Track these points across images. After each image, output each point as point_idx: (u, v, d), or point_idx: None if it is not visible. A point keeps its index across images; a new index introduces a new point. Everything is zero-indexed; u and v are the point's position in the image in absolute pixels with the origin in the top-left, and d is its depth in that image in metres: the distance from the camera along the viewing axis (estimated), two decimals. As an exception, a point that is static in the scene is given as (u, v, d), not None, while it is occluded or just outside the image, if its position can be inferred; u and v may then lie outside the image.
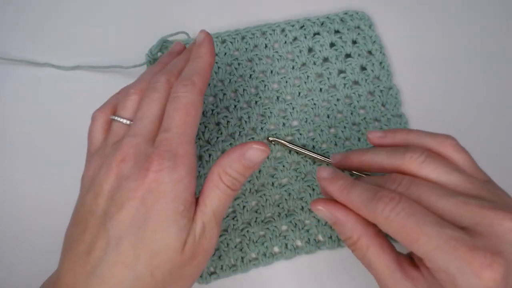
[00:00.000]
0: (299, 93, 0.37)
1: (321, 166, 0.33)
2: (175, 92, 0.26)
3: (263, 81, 0.37)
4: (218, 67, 0.37)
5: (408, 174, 0.25)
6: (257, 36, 0.38)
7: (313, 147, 0.35)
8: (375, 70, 0.37)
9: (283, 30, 0.38)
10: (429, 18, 0.40)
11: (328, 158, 0.34)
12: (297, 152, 0.35)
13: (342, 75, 0.37)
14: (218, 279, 0.32)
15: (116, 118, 0.27)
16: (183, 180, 0.24)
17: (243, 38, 0.38)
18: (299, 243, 0.33)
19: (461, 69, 0.39)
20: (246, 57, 0.37)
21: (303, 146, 0.35)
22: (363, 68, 0.38)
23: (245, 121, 0.36)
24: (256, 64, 0.37)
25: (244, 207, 0.34)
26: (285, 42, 0.38)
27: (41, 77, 0.38)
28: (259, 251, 0.33)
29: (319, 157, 0.34)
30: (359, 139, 0.36)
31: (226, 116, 0.36)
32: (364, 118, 0.36)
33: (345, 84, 0.37)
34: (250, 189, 0.34)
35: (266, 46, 0.38)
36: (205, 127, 0.35)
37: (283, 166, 0.35)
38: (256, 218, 0.34)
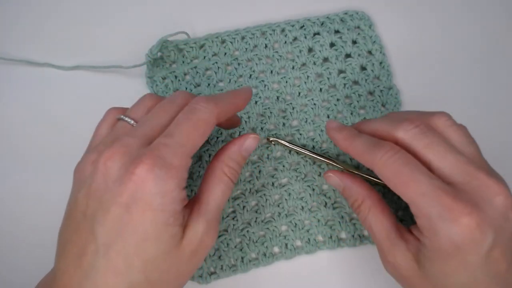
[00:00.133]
0: (299, 93, 0.37)
1: (331, 120, 0.32)
2: (194, 103, 0.25)
3: (263, 81, 0.37)
4: (218, 67, 0.37)
5: (401, 142, 0.26)
6: (257, 36, 0.38)
7: (313, 147, 0.35)
8: (375, 70, 0.37)
9: (283, 30, 0.38)
10: (429, 18, 0.40)
11: (328, 158, 0.34)
12: (297, 152, 0.35)
13: (342, 75, 0.37)
14: (218, 279, 0.32)
15: (122, 117, 0.27)
16: (171, 193, 0.23)
17: (243, 38, 0.38)
18: (299, 243, 0.33)
19: (461, 69, 0.39)
20: (246, 57, 0.37)
21: (303, 146, 0.35)
22: (363, 68, 0.38)
23: (245, 121, 0.36)
24: (256, 64, 0.37)
25: (244, 207, 0.34)
26: (285, 42, 0.38)
27: (41, 77, 0.38)
28: (259, 251, 0.33)
29: (319, 157, 0.34)
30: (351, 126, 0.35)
31: (226, 116, 0.36)
32: (364, 118, 0.36)
33: (345, 84, 0.37)
34: (250, 189, 0.34)
35: (266, 46, 0.38)
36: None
37: (283, 166, 0.35)
38: (256, 218, 0.34)
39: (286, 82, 0.37)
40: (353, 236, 0.33)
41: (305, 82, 0.37)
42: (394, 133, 0.26)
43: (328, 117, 0.36)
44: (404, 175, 0.24)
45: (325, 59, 0.38)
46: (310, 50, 0.38)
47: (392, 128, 0.26)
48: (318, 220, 0.34)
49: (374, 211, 0.27)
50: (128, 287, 0.22)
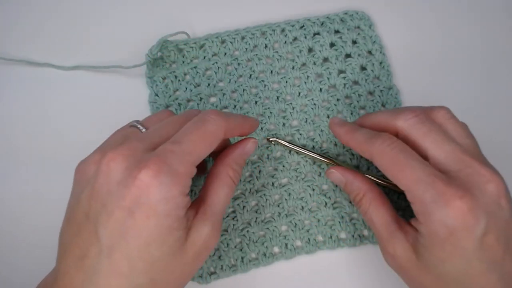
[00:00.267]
0: (299, 93, 0.37)
1: (334, 117, 0.34)
2: (205, 114, 0.25)
3: (263, 81, 0.37)
4: (218, 67, 0.37)
5: (401, 131, 0.27)
6: (257, 36, 0.38)
7: (313, 147, 0.35)
8: (375, 70, 0.37)
9: (283, 30, 0.38)
10: (429, 18, 0.40)
11: (328, 158, 0.34)
12: (297, 152, 0.35)
13: (342, 75, 0.37)
14: (218, 279, 0.32)
15: (135, 124, 0.27)
16: (175, 199, 0.23)
17: (243, 38, 0.38)
18: (299, 243, 0.33)
19: (461, 69, 0.39)
20: (246, 57, 0.37)
21: (303, 146, 0.35)
22: (363, 68, 0.38)
23: (245, 121, 0.36)
24: (256, 64, 0.37)
25: (244, 207, 0.34)
26: (285, 42, 0.38)
27: (41, 77, 0.38)
28: (259, 251, 0.33)
29: (319, 157, 0.34)
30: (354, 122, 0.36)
31: (226, 116, 0.36)
32: (364, 118, 0.36)
33: (345, 84, 0.37)
34: (250, 189, 0.34)
35: (266, 46, 0.38)
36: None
37: (283, 166, 0.35)
38: (256, 218, 0.34)
39: (286, 82, 0.37)
40: (353, 236, 0.33)
41: (305, 82, 0.37)
42: (394, 122, 0.27)
43: (328, 117, 0.36)
44: (399, 162, 0.25)
45: (325, 59, 0.38)
46: (310, 50, 0.38)
47: (392, 118, 0.28)
48: (318, 220, 0.34)
49: (374, 204, 0.28)
50: None
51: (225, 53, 0.38)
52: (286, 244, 0.33)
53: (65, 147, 0.36)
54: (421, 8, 0.41)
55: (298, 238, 0.33)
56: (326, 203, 0.34)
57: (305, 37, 0.38)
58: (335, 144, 0.35)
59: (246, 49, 0.38)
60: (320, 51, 0.37)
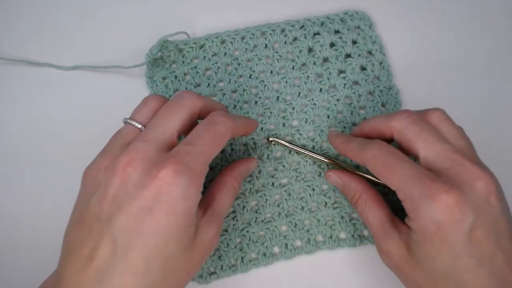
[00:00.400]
0: (299, 93, 0.37)
1: (332, 129, 0.35)
2: (214, 116, 0.26)
3: (263, 81, 0.37)
4: (218, 67, 0.37)
5: (396, 131, 0.28)
6: (257, 36, 0.38)
7: (313, 147, 0.35)
8: (375, 70, 0.37)
9: (283, 30, 0.38)
10: (429, 18, 0.40)
11: (328, 158, 0.34)
12: (297, 152, 0.35)
13: (342, 75, 0.37)
14: (218, 279, 0.32)
15: (129, 120, 0.27)
16: (192, 197, 0.24)
17: (243, 38, 0.38)
18: (299, 243, 0.33)
19: (461, 69, 0.39)
20: (246, 57, 0.37)
21: (303, 146, 0.35)
22: (363, 68, 0.38)
23: (245, 121, 0.36)
24: (256, 64, 0.37)
25: (244, 207, 0.34)
26: (285, 42, 0.38)
27: (41, 77, 0.38)
28: (259, 251, 0.33)
29: (319, 157, 0.34)
30: (354, 130, 0.36)
31: (226, 116, 0.36)
32: (364, 118, 0.36)
33: (345, 84, 0.37)
34: (250, 189, 0.34)
35: (266, 46, 0.38)
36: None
37: (283, 166, 0.35)
38: (256, 218, 0.34)
39: (286, 82, 0.37)
40: (353, 236, 0.33)
41: (305, 82, 0.37)
42: (389, 123, 0.28)
43: (328, 117, 0.36)
44: (389, 163, 0.26)
45: (325, 59, 0.38)
46: (310, 50, 0.38)
47: (387, 120, 0.29)
48: (318, 220, 0.34)
49: (370, 204, 0.29)
50: (147, 287, 0.23)
51: (225, 53, 0.38)
52: (286, 244, 0.33)
53: (65, 147, 0.36)
54: (421, 8, 0.41)
55: (298, 238, 0.33)
56: (326, 203, 0.34)
57: (305, 37, 0.38)
58: (335, 144, 0.35)
59: (246, 49, 0.38)
60: (320, 51, 0.38)
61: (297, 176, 0.34)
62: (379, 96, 0.37)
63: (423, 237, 0.25)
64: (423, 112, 0.29)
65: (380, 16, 0.40)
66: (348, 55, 0.38)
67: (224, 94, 0.36)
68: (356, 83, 0.37)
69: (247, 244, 0.33)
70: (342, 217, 0.34)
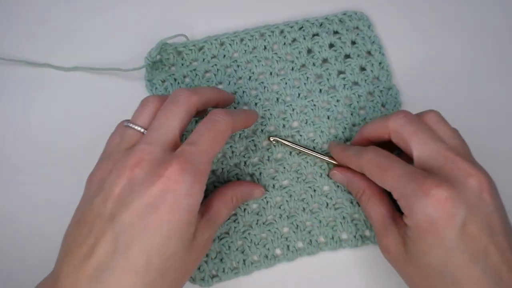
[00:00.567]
0: (299, 94, 0.37)
1: (332, 140, 0.36)
2: (214, 114, 0.27)
3: (262, 82, 0.37)
4: (217, 69, 0.37)
5: (392, 131, 0.29)
6: (256, 38, 0.38)
7: (314, 148, 0.35)
8: (375, 71, 0.37)
9: (282, 32, 0.38)
10: (428, 18, 0.40)
11: (330, 157, 0.34)
12: (298, 153, 0.35)
13: (341, 75, 0.37)
14: (220, 281, 0.32)
15: (130, 125, 0.27)
16: (196, 195, 0.24)
17: (242, 40, 0.38)
18: (300, 244, 0.33)
19: (461, 69, 0.39)
20: (245, 59, 0.37)
21: (304, 146, 0.35)
22: (362, 69, 0.38)
23: (245, 123, 0.36)
24: (255, 65, 0.37)
25: (245, 209, 0.34)
26: (284, 43, 0.38)
27: (40, 78, 0.38)
28: (260, 253, 0.33)
29: (320, 156, 0.34)
30: (355, 136, 0.36)
31: (226, 118, 0.36)
32: (364, 118, 0.36)
33: (344, 85, 0.37)
34: (251, 191, 0.34)
35: (265, 48, 0.38)
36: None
37: (284, 167, 0.35)
38: (258, 220, 0.33)
39: (286, 83, 0.37)
40: (354, 236, 0.33)
41: (304, 83, 0.37)
42: (386, 124, 0.29)
43: (328, 118, 0.36)
44: (383, 165, 0.27)
45: (325, 60, 0.38)
46: (309, 51, 0.38)
47: (385, 120, 0.29)
48: (320, 221, 0.34)
49: (373, 200, 0.30)
50: (145, 286, 0.23)
51: (224, 55, 0.37)
52: (288, 246, 0.33)
53: (64, 148, 0.36)
54: (420, 8, 0.41)
55: (299, 240, 0.33)
56: (327, 204, 0.34)
57: (304, 38, 0.38)
58: (336, 145, 0.35)
59: (245, 51, 0.38)
60: (319, 52, 0.37)
61: (298, 178, 0.34)
62: (379, 97, 0.37)
63: (417, 233, 0.25)
64: (419, 114, 0.30)
65: (379, 16, 0.40)
66: (347, 56, 0.38)
67: (223, 96, 0.36)
68: (355, 83, 0.37)
69: (248, 246, 0.33)
70: (344, 217, 0.34)
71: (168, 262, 0.24)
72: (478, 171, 0.25)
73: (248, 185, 0.33)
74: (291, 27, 0.38)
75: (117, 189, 0.24)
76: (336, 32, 0.38)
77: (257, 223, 0.33)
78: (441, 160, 0.26)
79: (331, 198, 0.34)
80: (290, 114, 0.36)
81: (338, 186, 0.34)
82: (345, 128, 0.36)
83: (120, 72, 0.37)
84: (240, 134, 0.35)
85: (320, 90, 0.37)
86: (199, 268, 0.32)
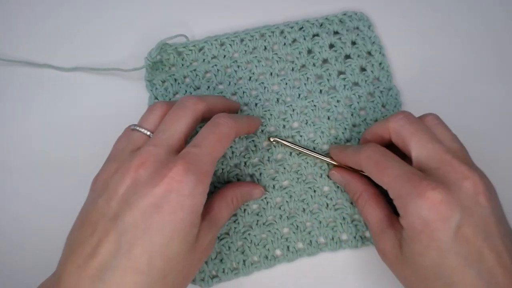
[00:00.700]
0: (299, 95, 0.37)
1: (332, 144, 0.36)
2: (217, 118, 0.27)
3: (262, 83, 0.37)
4: (218, 70, 0.37)
5: (392, 131, 0.29)
6: (256, 38, 0.38)
7: (314, 148, 0.35)
8: (375, 71, 0.37)
9: (282, 32, 0.38)
10: (429, 18, 0.40)
11: (330, 157, 0.34)
12: (298, 154, 0.35)
13: (341, 76, 0.37)
14: (220, 282, 0.32)
15: (137, 128, 0.28)
16: (200, 196, 0.25)
17: (242, 40, 0.38)
18: (300, 245, 0.33)
19: (461, 69, 0.39)
20: (245, 59, 0.37)
21: (305, 147, 0.35)
22: (362, 69, 0.38)
23: (245, 124, 0.35)
24: (256, 66, 0.37)
25: (245, 210, 0.34)
26: (284, 43, 0.38)
27: (40, 78, 0.38)
28: (260, 254, 0.33)
29: (320, 156, 0.34)
30: (359, 141, 0.36)
31: (226, 119, 0.36)
32: (365, 119, 0.36)
33: (345, 85, 0.37)
34: (251, 191, 0.34)
35: (265, 48, 0.38)
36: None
37: (284, 168, 0.35)
38: (258, 221, 0.33)
39: (286, 84, 0.37)
40: (354, 237, 0.33)
41: (305, 84, 0.37)
42: (387, 124, 0.29)
43: (329, 118, 0.36)
44: (381, 163, 0.27)
45: (325, 61, 0.38)
46: (309, 51, 0.38)
47: (385, 121, 0.29)
48: (320, 222, 0.34)
49: (370, 203, 0.30)
50: (147, 286, 0.23)
51: (225, 56, 0.37)
52: (288, 247, 0.33)
53: (64, 148, 0.36)
54: (420, 8, 0.41)
55: (300, 240, 0.33)
56: (327, 205, 0.34)
57: (304, 39, 0.38)
58: (336, 146, 0.35)
59: (245, 51, 0.38)
60: (319, 52, 0.37)
61: (298, 178, 0.34)
62: (379, 97, 0.37)
63: (412, 235, 0.25)
64: (419, 116, 0.30)
65: (379, 17, 0.40)
66: (347, 56, 0.38)
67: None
68: (356, 84, 0.37)
69: (248, 247, 0.33)
70: (344, 218, 0.34)
71: (171, 263, 0.24)
72: (474, 174, 0.25)
73: (248, 185, 0.33)
74: (291, 27, 0.38)
75: (121, 189, 0.24)
76: (336, 33, 0.38)
77: (257, 224, 0.33)
78: (438, 162, 0.26)
79: (331, 199, 0.34)
80: (290, 115, 0.36)
81: (338, 187, 0.34)
82: (345, 128, 0.36)
83: (120, 72, 0.37)
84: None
85: (320, 91, 0.37)
86: (199, 269, 0.32)
